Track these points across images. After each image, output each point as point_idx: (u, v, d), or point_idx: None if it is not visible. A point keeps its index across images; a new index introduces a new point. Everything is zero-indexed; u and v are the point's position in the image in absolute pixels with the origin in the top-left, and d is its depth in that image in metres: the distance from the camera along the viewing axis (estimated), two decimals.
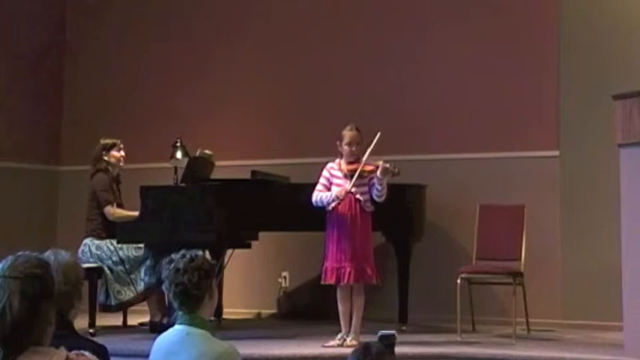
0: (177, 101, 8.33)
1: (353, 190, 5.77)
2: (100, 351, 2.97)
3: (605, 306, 6.49)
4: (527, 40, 7.38)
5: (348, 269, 5.75)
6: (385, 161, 5.74)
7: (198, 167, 6.82)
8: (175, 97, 8.36)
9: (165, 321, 6.15)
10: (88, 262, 6.52)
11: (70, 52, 8.93)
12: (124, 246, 6.67)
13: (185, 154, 6.94)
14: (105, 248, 6.71)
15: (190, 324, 3.32)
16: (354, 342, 5.65)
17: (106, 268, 6.66)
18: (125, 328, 6.94)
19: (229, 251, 6.94)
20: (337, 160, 5.92)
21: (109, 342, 3.93)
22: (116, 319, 6.97)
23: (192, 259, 3.35)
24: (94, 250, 6.72)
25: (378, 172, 5.72)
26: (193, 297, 3.32)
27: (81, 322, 5.01)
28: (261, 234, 7.10)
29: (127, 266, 6.69)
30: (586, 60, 7.13)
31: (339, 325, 5.87)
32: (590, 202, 6.97)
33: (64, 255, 3.08)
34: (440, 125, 7.59)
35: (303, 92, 8.03)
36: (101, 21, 8.78)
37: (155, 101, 8.47)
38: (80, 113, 8.74)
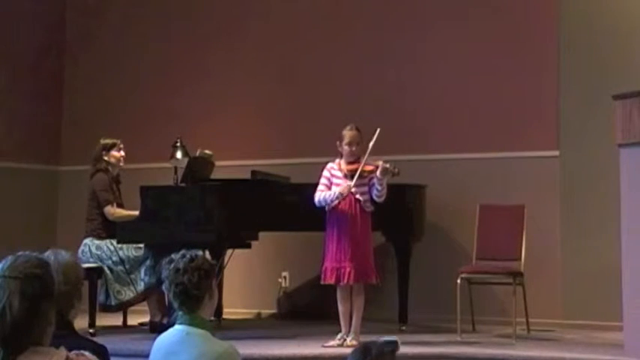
0: (177, 101, 8.34)
1: (353, 190, 5.78)
2: (100, 351, 2.97)
3: (605, 306, 6.49)
4: (527, 40, 7.38)
5: (348, 269, 5.75)
6: (385, 161, 5.74)
7: (198, 167, 6.82)
8: (175, 97, 8.36)
9: (165, 321, 6.15)
10: (88, 262, 6.52)
11: (70, 52, 8.93)
12: (124, 246, 6.67)
13: (185, 154, 6.94)
14: (105, 248, 6.71)
15: (190, 324, 3.32)
16: (354, 342, 5.65)
17: (106, 268, 6.66)
18: (125, 328, 6.94)
19: (229, 251, 6.94)
20: (337, 160, 5.92)
21: (109, 342, 3.93)
22: (116, 319, 6.97)
23: (192, 259, 3.35)
24: (94, 250, 6.72)
25: (378, 172, 5.72)
26: (193, 297, 3.32)
27: (81, 322, 5.01)
28: (261, 234, 7.10)
29: (127, 266, 6.69)
30: (586, 60, 7.13)
31: (339, 325, 5.87)
32: (590, 202, 6.97)
33: (64, 255, 3.08)
34: (440, 125, 7.59)
35: (303, 92, 8.03)
36: (101, 21, 8.78)
37: (155, 101, 8.47)
38: (80, 113, 8.75)
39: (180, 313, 3.36)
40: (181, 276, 3.31)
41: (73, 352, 2.41)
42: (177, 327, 3.35)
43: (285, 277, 7.86)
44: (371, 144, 5.73)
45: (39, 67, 8.70)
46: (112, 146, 6.98)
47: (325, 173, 5.91)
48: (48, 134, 8.76)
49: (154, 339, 3.45)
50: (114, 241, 6.65)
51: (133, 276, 6.69)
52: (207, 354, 3.26)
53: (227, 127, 8.17)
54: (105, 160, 6.95)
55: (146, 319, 6.87)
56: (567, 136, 7.19)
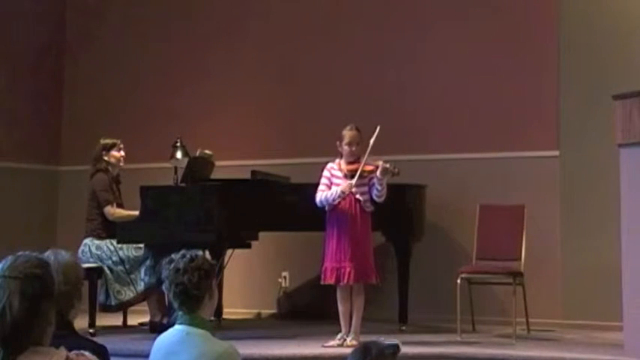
0: (177, 101, 8.34)
1: (353, 190, 5.78)
2: (100, 351, 2.97)
3: (605, 306, 6.49)
4: (527, 40, 7.38)
5: (348, 269, 5.75)
6: (385, 161, 5.74)
7: (198, 167, 6.82)
8: (175, 97, 8.36)
9: (165, 321, 6.15)
10: (88, 262, 6.52)
11: (70, 52, 8.93)
12: (124, 246, 6.67)
13: (185, 154, 6.94)
14: (105, 248, 6.71)
15: (190, 324, 3.32)
16: (354, 342, 5.65)
17: (106, 268, 6.66)
18: (125, 328, 6.94)
19: (229, 251, 6.94)
20: (337, 160, 5.92)
21: (109, 342, 3.93)
22: (116, 319, 6.97)
23: (192, 259, 3.35)
24: (94, 250, 6.72)
25: (378, 172, 5.72)
26: (193, 297, 3.32)
27: (81, 322, 5.01)
28: (261, 234, 7.10)
29: (127, 266, 6.69)
30: (586, 60, 7.13)
31: (339, 325, 5.87)
32: (590, 202, 6.97)
33: (64, 255, 3.08)
34: (440, 125, 7.59)
35: (303, 92, 8.03)
36: (101, 21, 8.78)
37: (155, 101, 8.47)
38: (80, 113, 8.75)
39: (180, 313, 3.36)
40: (181, 276, 3.31)
41: (73, 352, 2.41)
42: (177, 327, 3.35)
43: (285, 277, 7.87)
44: (371, 141, 5.73)
45: (39, 67, 8.70)
46: (112, 146, 6.98)
47: (325, 173, 5.91)
48: (48, 134, 8.77)
49: (154, 339, 3.45)
50: (114, 241, 6.65)
51: (133, 276, 6.69)
52: (207, 354, 3.26)
53: (227, 127, 8.17)
54: (105, 160, 6.95)
55: (146, 319, 6.87)
56: (567, 136, 7.19)
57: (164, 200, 6.46)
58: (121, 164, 7.03)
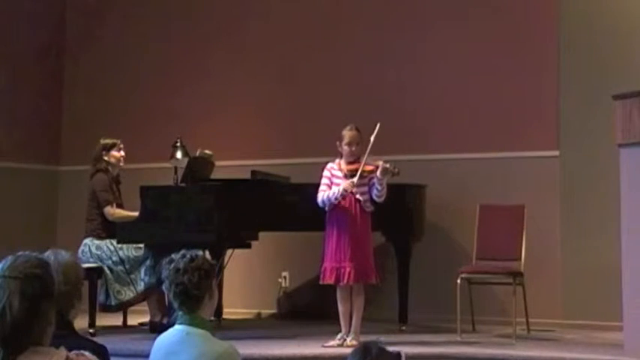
0: (178, 101, 8.34)
1: (354, 190, 5.78)
2: (100, 351, 2.97)
3: (605, 306, 6.49)
4: (527, 40, 7.38)
5: (347, 269, 5.75)
6: (385, 161, 5.74)
7: (198, 167, 6.82)
8: (175, 97, 8.36)
9: (165, 321, 6.15)
10: (88, 262, 6.52)
11: (70, 52, 8.93)
12: (124, 246, 6.67)
13: (185, 154, 6.94)
14: (105, 248, 6.71)
15: (190, 324, 3.32)
16: (354, 342, 5.65)
17: (106, 268, 6.66)
18: (125, 328, 6.94)
19: (229, 251, 6.94)
20: (337, 160, 5.92)
21: (109, 342, 3.93)
22: (116, 319, 6.97)
23: (192, 259, 3.35)
24: (94, 250, 6.72)
25: (378, 172, 5.72)
26: (193, 297, 3.32)
27: (81, 322, 5.01)
28: (261, 234, 7.10)
29: (127, 266, 6.69)
30: (586, 60, 7.13)
31: (339, 325, 5.87)
32: (590, 202, 6.97)
33: (64, 255, 3.08)
34: (440, 125, 7.59)
35: (303, 92, 8.03)
36: (101, 21, 8.78)
37: (155, 101, 8.47)
38: (80, 113, 8.75)
39: (180, 313, 3.36)
40: (181, 276, 3.31)
41: (73, 352, 2.41)
42: (177, 327, 3.36)
43: (285, 277, 7.87)
44: (372, 138, 5.73)
45: (39, 67, 8.70)
46: (112, 146, 6.98)
47: (326, 173, 5.91)
48: (48, 134, 8.77)
49: (154, 339, 3.45)
50: (114, 241, 6.65)
51: (133, 276, 6.69)
52: (207, 354, 3.26)
53: (227, 127, 8.17)
54: (105, 160, 6.95)
55: (146, 319, 6.87)
56: (567, 136, 7.19)
57: (164, 200, 6.46)
58: (121, 164, 7.03)
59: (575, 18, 7.21)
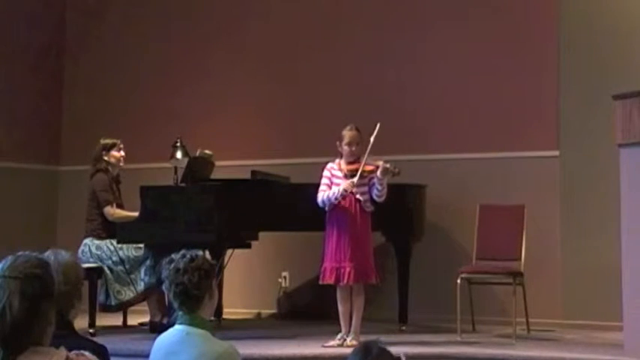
0: (178, 101, 8.34)
1: (354, 190, 5.77)
2: (100, 351, 2.97)
3: (605, 306, 6.49)
4: (527, 40, 7.38)
5: (347, 269, 5.75)
6: (385, 161, 5.74)
7: (198, 167, 6.82)
8: (175, 97, 8.36)
9: (165, 321, 6.15)
10: (88, 262, 6.52)
11: (70, 52, 8.93)
12: (124, 246, 6.67)
13: (185, 154, 6.94)
14: (105, 248, 6.71)
15: (190, 324, 3.32)
16: (354, 342, 5.65)
17: (106, 268, 6.66)
18: (125, 328, 6.94)
19: (229, 251, 6.94)
20: (337, 160, 5.92)
21: (109, 342, 3.92)
22: (116, 319, 6.97)
23: (192, 259, 3.35)
24: (94, 250, 6.72)
25: (379, 172, 5.72)
26: (193, 297, 3.32)
27: (81, 322, 5.01)
28: (261, 234, 7.10)
29: (127, 266, 6.69)
30: (586, 60, 7.13)
31: (339, 325, 5.87)
32: (590, 202, 6.97)
33: (64, 255, 3.08)
34: (440, 125, 7.59)
35: (303, 92, 8.03)
36: (101, 21, 8.78)
37: (155, 101, 8.47)
38: (80, 113, 8.75)
39: (180, 313, 3.36)
40: (181, 276, 3.31)
41: (73, 352, 2.41)
42: (177, 327, 3.36)
43: (285, 277, 7.86)
44: (372, 139, 5.73)
45: (39, 67, 8.70)
46: (112, 146, 6.98)
47: (326, 173, 5.91)
48: (48, 134, 8.77)
49: (154, 339, 3.45)
50: (114, 241, 6.65)
51: (133, 276, 6.69)
52: (207, 354, 3.26)
53: (227, 127, 8.17)
54: (105, 160, 6.95)
55: (146, 319, 6.87)
56: (567, 136, 7.19)
57: (164, 200, 6.46)
58: (121, 164, 7.03)
59: (575, 18, 7.21)
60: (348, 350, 3.19)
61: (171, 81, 8.43)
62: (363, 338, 5.45)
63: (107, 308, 6.73)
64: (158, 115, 8.36)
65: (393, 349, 2.50)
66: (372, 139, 5.73)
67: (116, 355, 4.64)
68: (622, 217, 5.61)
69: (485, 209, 6.79)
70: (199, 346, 3.28)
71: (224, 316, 7.23)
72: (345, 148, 5.85)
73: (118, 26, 8.72)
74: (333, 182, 5.86)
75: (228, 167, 7.48)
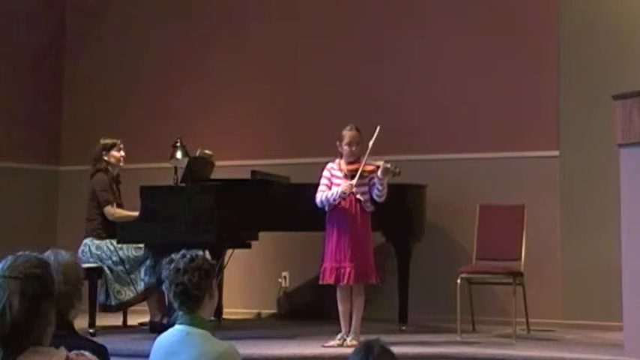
0: (177, 101, 8.34)
1: (354, 190, 5.77)
2: (100, 351, 2.97)
3: (605, 306, 6.49)
4: (527, 39, 7.38)
5: (348, 269, 5.75)
6: (386, 161, 5.74)
7: (198, 167, 6.82)
8: (175, 97, 8.36)
9: (165, 321, 6.15)
10: (88, 262, 6.52)
11: (70, 52, 8.93)
12: (124, 246, 6.67)
13: (185, 154, 6.94)
14: (105, 248, 6.71)
15: (190, 324, 3.32)
16: (354, 342, 5.65)
17: (106, 268, 6.66)
18: (125, 328, 6.94)
19: (229, 251, 6.94)
20: (337, 160, 5.92)
21: (109, 342, 3.92)
22: (116, 319, 6.97)
23: (192, 259, 3.35)
24: (94, 250, 6.72)
25: (379, 172, 5.72)
26: (193, 297, 3.32)
27: (81, 322, 5.01)
28: (261, 234, 7.10)
29: (127, 266, 6.69)
30: (586, 60, 7.13)
31: (339, 325, 5.87)
32: (590, 202, 6.97)
33: (64, 255, 3.08)
34: (440, 125, 7.59)
35: (303, 92, 8.03)
36: (101, 21, 8.78)
37: (155, 101, 8.47)
38: (80, 113, 8.75)
39: (180, 313, 3.36)
40: (181, 276, 3.31)
41: (73, 352, 2.41)
42: (177, 327, 3.36)
43: (285, 277, 7.86)
44: (370, 143, 5.72)
45: (39, 67, 8.70)
46: (112, 146, 6.98)
47: (325, 173, 5.91)
48: (48, 134, 8.77)
49: (154, 339, 3.45)
50: (114, 241, 6.65)
51: (133, 276, 6.69)
52: (207, 354, 3.26)
53: (227, 127, 8.17)
54: (105, 160, 6.95)
55: (146, 319, 6.87)
56: (567, 136, 7.19)
57: (164, 200, 6.46)
58: (121, 164, 7.03)
59: (575, 18, 7.21)
60: (348, 350, 3.20)
61: (171, 81, 8.43)
62: (363, 338, 5.46)
63: (107, 308, 6.73)
64: (158, 115, 8.36)
65: (393, 349, 2.50)
66: (370, 144, 5.72)
67: (116, 355, 4.64)
68: (622, 217, 5.61)
69: (485, 209, 6.79)
70: (199, 346, 3.28)
71: (224, 316, 7.23)
72: (345, 148, 5.85)
73: (118, 26, 8.72)
74: (333, 182, 5.86)
75: (228, 167, 7.48)
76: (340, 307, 5.87)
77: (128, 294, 6.70)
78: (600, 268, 6.72)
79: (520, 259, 6.47)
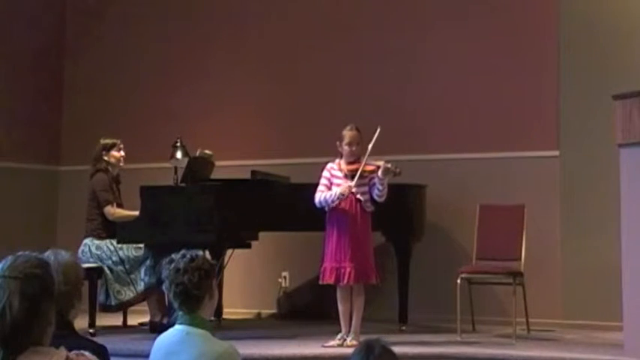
0: (177, 101, 8.34)
1: (354, 190, 5.77)
2: (100, 351, 2.97)
3: (605, 306, 6.49)
4: (527, 39, 7.38)
5: (348, 269, 5.75)
6: (387, 161, 5.74)
7: (198, 167, 6.82)
8: (175, 97, 8.36)
9: (165, 321, 6.15)
10: (88, 262, 6.52)
11: (70, 52, 8.93)
12: (124, 246, 6.67)
13: (185, 154, 6.94)
14: (105, 248, 6.71)
15: (190, 324, 3.32)
16: (354, 342, 5.65)
17: (106, 268, 6.66)
18: (125, 328, 6.93)
19: (229, 251, 6.94)
20: (337, 160, 5.92)
21: (109, 342, 3.93)
22: (116, 319, 6.97)
23: (192, 259, 3.35)
24: (94, 250, 6.72)
25: (380, 172, 5.72)
26: (193, 297, 3.32)
27: (81, 322, 5.01)
28: (261, 234, 7.09)
29: (127, 266, 6.69)
30: (586, 60, 7.13)
31: (339, 325, 5.87)
32: (590, 202, 6.97)
33: (64, 255, 3.08)
34: (440, 125, 7.59)
35: (303, 92, 8.03)
36: (101, 21, 8.78)
37: (155, 101, 8.47)
38: (80, 113, 8.75)
39: (180, 313, 3.36)
40: (181, 276, 3.31)
41: (73, 352, 2.41)
42: (177, 327, 3.35)
43: (285, 277, 7.86)
44: (370, 145, 5.72)
45: (39, 67, 8.70)
46: (112, 146, 6.99)
47: (325, 173, 5.91)
48: (48, 134, 8.77)
49: (154, 339, 3.45)
50: (114, 241, 6.65)
51: (133, 276, 6.69)
52: (207, 354, 3.26)
53: (227, 127, 8.17)
54: (105, 160, 6.95)
55: (146, 319, 6.87)
56: (567, 136, 7.19)
57: (164, 200, 6.46)
58: (121, 164, 7.03)
59: (575, 18, 7.21)
60: (348, 350, 3.20)
61: (171, 81, 8.43)
62: (362, 338, 5.46)
63: (107, 308, 6.73)
64: (158, 115, 8.36)
65: (393, 349, 2.50)
66: (369, 147, 5.72)
67: (116, 355, 4.64)
68: (622, 217, 5.61)
69: (485, 209, 6.79)
70: (199, 346, 3.28)
71: (224, 316, 7.23)
72: (346, 148, 5.85)
73: (118, 26, 8.72)
74: (333, 182, 5.86)
75: (228, 167, 7.48)
76: (340, 307, 5.87)
77: (128, 294, 6.70)
78: (600, 268, 6.72)
79: (520, 259, 6.47)
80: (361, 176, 5.76)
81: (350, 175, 5.81)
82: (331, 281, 5.81)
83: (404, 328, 6.59)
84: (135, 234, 6.46)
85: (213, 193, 6.41)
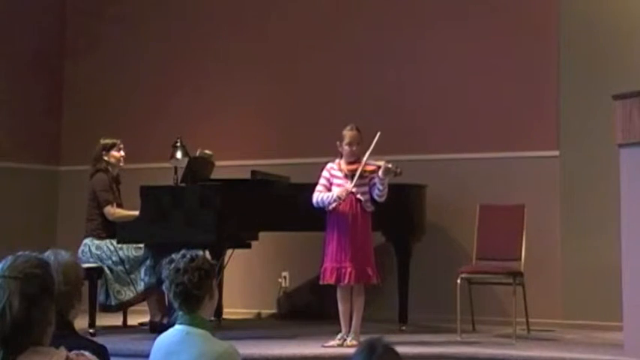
0: (178, 101, 8.34)
1: (354, 190, 5.77)
2: (100, 351, 2.97)
3: (605, 306, 6.49)
4: (527, 39, 7.38)
5: (348, 269, 5.75)
6: (387, 161, 5.74)
7: (198, 167, 6.82)
8: (175, 97, 8.36)
9: (165, 321, 6.15)
10: (88, 262, 6.52)
11: (70, 52, 8.93)
12: (124, 246, 6.67)
13: (185, 154, 6.94)
14: (105, 248, 6.71)
15: (190, 324, 3.32)
16: (354, 342, 5.65)
17: (106, 268, 6.66)
18: (125, 328, 6.93)
19: (229, 251, 6.94)
20: (337, 160, 5.92)
21: (109, 342, 3.93)
22: (116, 319, 6.97)
23: (192, 259, 3.35)
24: (94, 250, 6.72)
25: (380, 172, 5.72)
26: (193, 297, 3.32)
27: (81, 322, 5.01)
28: (261, 234, 7.10)
29: (127, 266, 6.69)
30: (586, 60, 7.13)
31: (339, 325, 5.87)
32: (590, 202, 6.97)
33: (64, 255, 3.08)
34: (440, 125, 7.59)
35: (303, 92, 8.03)
36: (101, 21, 8.78)
37: (155, 101, 8.47)
38: (80, 113, 8.74)
39: (180, 313, 3.36)
40: (181, 276, 3.31)
41: (73, 352, 2.41)
42: (177, 327, 3.35)
43: (285, 277, 7.86)
44: (369, 152, 5.72)
45: (39, 67, 8.70)
46: (112, 146, 6.99)
47: (325, 173, 5.91)
48: (48, 134, 8.76)
49: (154, 339, 3.45)
50: (114, 241, 6.65)
51: (133, 276, 6.69)
52: (207, 354, 3.26)
53: (227, 127, 8.17)
54: (105, 160, 6.95)
55: (146, 319, 6.87)
56: (567, 136, 7.19)
57: (164, 200, 6.46)
58: (121, 164, 7.03)
59: (575, 18, 7.21)
60: (348, 350, 3.20)
61: (171, 81, 8.43)
62: (362, 338, 5.46)
63: (107, 308, 6.73)
64: (158, 115, 8.36)
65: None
66: (370, 149, 5.71)
67: (116, 355, 4.64)
68: (622, 217, 5.61)
69: (485, 209, 6.79)
70: (199, 346, 3.28)
71: (224, 316, 7.23)
72: (346, 148, 5.85)
73: (118, 26, 8.71)
74: (333, 183, 5.86)
75: (228, 167, 7.47)
76: (340, 307, 5.87)
77: (128, 294, 6.70)
78: (600, 268, 6.72)
79: (520, 259, 6.47)
80: (361, 176, 5.76)
81: (350, 175, 5.80)
82: (332, 281, 5.81)
83: (404, 328, 6.59)
84: (135, 234, 6.46)
85: (213, 193, 6.41)
